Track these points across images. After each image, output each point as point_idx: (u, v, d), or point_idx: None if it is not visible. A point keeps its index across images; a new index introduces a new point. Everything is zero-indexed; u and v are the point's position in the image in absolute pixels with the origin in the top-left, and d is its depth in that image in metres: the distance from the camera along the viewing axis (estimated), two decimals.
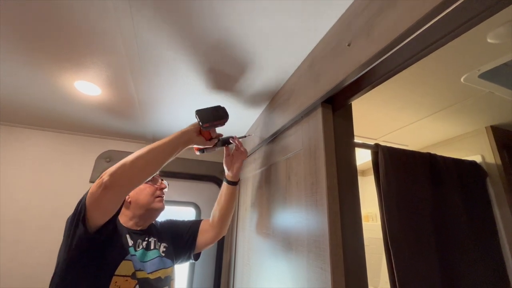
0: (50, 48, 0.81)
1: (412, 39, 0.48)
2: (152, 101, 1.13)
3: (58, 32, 0.74)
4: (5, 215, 1.31)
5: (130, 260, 0.83)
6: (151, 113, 1.26)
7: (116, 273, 0.78)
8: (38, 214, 1.35)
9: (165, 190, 1.04)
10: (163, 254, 0.97)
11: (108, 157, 1.55)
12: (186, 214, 1.68)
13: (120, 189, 0.73)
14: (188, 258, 1.09)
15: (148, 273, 0.87)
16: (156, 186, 1.00)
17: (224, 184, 1.11)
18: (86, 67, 0.90)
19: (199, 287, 1.54)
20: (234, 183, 1.10)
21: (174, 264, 1.01)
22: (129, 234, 0.91)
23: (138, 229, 0.97)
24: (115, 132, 1.52)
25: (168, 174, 1.57)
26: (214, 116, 0.91)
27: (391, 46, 0.50)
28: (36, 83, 1.01)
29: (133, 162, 0.74)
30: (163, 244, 1.00)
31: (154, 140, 1.64)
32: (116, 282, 0.77)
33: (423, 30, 0.46)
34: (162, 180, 1.05)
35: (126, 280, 0.79)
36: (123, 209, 0.93)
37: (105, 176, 0.70)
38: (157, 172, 0.86)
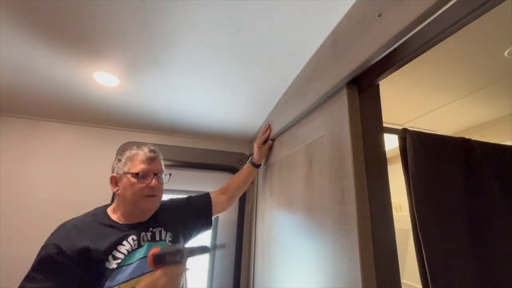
0: (68, 39, 0.81)
1: (454, 3, 0.42)
2: (169, 90, 1.12)
3: (74, 22, 0.74)
4: (29, 208, 1.35)
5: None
6: (169, 103, 1.25)
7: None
8: (62, 207, 1.38)
9: (165, 182, 0.95)
10: (170, 244, 0.93)
11: None
12: None
13: None
14: (206, 229, 1.13)
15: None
16: (145, 183, 0.87)
17: (248, 164, 1.30)
18: (104, 56, 0.90)
19: (219, 280, 1.54)
20: (256, 165, 1.30)
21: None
22: (132, 232, 0.86)
23: (136, 222, 0.89)
24: (133, 123, 1.54)
25: (185, 164, 1.59)
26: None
27: (429, 12, 0.44)
28: (55, 76, 1.03)
29: None
30: (169, 234, 0.95)
31: (172, 131, 1.65)
32: None
33: None
34: (155, 175, 0.90)
35: None
36: (116, 202, 0.90)
37: None
38: (162, 163, 0.92)
